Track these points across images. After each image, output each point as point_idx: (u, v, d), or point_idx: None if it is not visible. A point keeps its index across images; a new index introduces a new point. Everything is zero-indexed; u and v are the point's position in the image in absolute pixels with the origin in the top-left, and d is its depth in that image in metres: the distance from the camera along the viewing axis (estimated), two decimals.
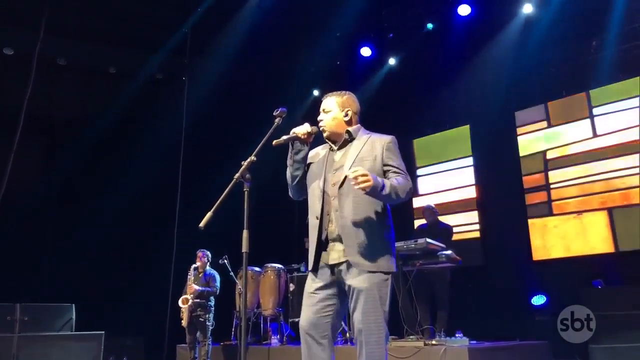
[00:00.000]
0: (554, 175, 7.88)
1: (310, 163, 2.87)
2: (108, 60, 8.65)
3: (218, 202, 2.58)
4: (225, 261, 6.49)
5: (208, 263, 6.77)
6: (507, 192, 8.22)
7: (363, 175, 2.44)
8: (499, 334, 5.75)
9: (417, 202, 8.84)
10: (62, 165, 8.67)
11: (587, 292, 5.68)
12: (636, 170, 7.09)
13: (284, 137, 2.77)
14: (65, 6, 7.58)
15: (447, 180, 9.03)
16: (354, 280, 2.59)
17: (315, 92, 9.50)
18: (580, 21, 7.32)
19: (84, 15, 7.97)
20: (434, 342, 4.76)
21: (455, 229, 8.49)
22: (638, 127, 7.15)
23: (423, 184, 9.29)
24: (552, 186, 7.88)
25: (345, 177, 2.64)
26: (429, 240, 4.90)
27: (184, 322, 6.49)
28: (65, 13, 7.72)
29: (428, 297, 5.86)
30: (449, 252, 5.08)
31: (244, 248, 2.60)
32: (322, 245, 2.69)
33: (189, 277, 6.62)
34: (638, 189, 7.05)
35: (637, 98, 7.20)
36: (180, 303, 6.51)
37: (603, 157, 7.41)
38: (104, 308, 7.64)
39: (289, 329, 6.56)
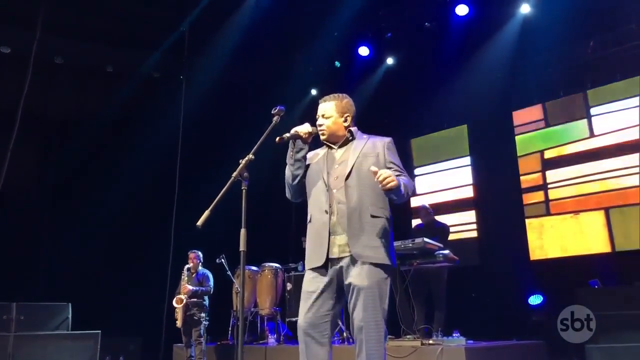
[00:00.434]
0: (551, 175, 7.89)
1: (309, 164, 2.88)
2: (105, 59, 8.61)
3: (215, 200, 2.57)
4: (223, 260, 6.48)
5: (200, 263, 6.77)
6: (504, 191, 8.23)
7: (387, 173, 2.53)
8: (496, 334, 5.75)
9: (414, 202, 8.83)
10: (59, 164, 8.65)
11: (584, 292, 5.69)
12: (633, 170, 7.11)
13: (287, 134, 2.78)
14: (62, 5, 7.55)
15: (445, 180, 9.04)
16: (355, 277, 2.60)
17: (313, 92, 9.49)
18: (577, 21, 7.32)
19: (81, 14, 7.94)
20: (431, 341, 4.76)
21: (452, 229, 8.50)
22: (635, 127, 7.17)
23: (421, 184, 9.29)
24: (549, 186, 7.90)
25: (351, 169, 2.70)
26: (426, 239, 4.89)
27: (179, 323, 6.49)
28: (63, 12, 7.69)
29: (425, 297, 5.86)
30: (446, 251, 5.08)
31: (242, 247, 2.59)
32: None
33: (182, 277, 6.62)
34: (635, 189, 7.07)
35: (634, 98, 7.22)
36: (174, 303, 6.50)
37: (600, 157, 7.43)
38: (100, 307, 7.62)
39: (286, 329, 6.56)
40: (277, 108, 2.82)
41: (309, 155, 2.89)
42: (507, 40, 7.91)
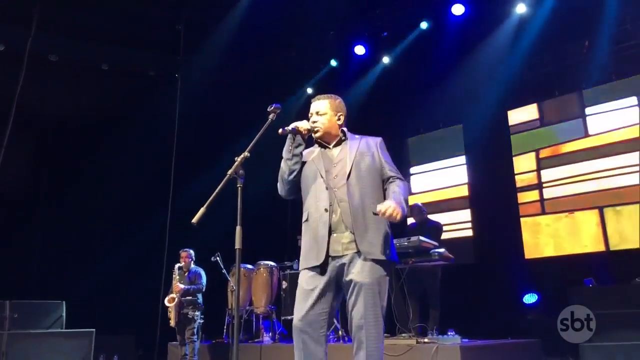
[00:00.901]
0: (546, 175, 7.92)
1: (304, 162, 2.88)
2: (100, 56, 8.58)
3: (211, 198, 2.56)
4: (218, 258, 6.46)
5: (192, 261, 6.75)
6: (499, 190, 8.25)
7: (391, 209, 2.55)
8: (491, 332, 5.76)
9: (410, 201, 8.84)
10: (53, 162, 8.63)
11: (579, 291, 5.71)
12: (627, 170, 7.14)
13: (288, 127, 2.79)
14: (57, 2, 7.52)
15: (440, 179, 9.05)
16: (357, 274, 2.60)
17: (309, 90, 9.48)
18: (572, 21, 7.35)
19: (77, 11, 7.90)
20: (426, 340, 4.77)
21: (448, 228, 8.53)
22: (629, 127, 7.21)
23: (416, 183, 9.31)
24: (544, 185, 7.92)
25: (351, 168, 2.73)
26: (422, 238, 4.89)
27: (172, 322, 6.47)
28: (58, 9, 7.66)
29: (420, 295, 5.87)
30: (442, 250, 5.08)
31: (237, 244, 2.59)
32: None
33: (173, 276, 6.60)
34: (629, 188, 7.10)
35: (629, 98, 7.26)
36: (166, 302, 6.48)
37: (595, 156, 7.45)
38: (94, 305, 7.60)
39: (281, 327, 6.55)
40: (273, 106, 2.82)
41: (304, 152, 2.89)
42: (502, 40, 7.93)
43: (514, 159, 8.26)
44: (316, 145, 2.93)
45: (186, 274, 6.67)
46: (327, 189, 2.73)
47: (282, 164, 2.87)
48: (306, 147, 2.92)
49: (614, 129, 7.35)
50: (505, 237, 7.99)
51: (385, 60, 9.01)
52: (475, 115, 8.37)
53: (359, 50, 9.00)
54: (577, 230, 7.50)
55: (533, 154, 8.09)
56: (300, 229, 2.84)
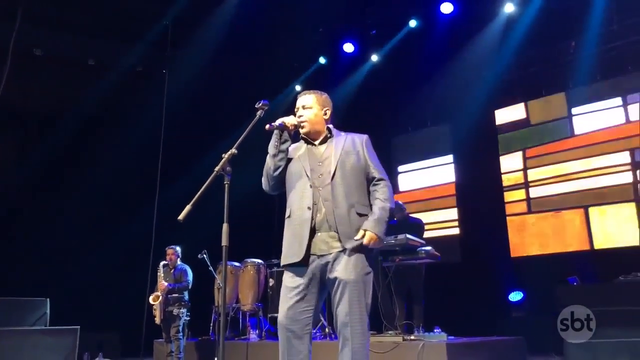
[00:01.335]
0: (533, 174, 7.98)
1: (290, 158, 2.86)
2: (87, 51, 8.47)
3: (198, 194, 2.54)
4: (205, 256, 6.43)
5: (179, 258, 6.70)
6: (486, 189, 8.31)
7: (370, 239, 2.60)
8: (477, 330, 5.80)
9: (397, 200, 8.88)
10: (38, 158, 8.50)
11: (563, 289, 5.76)
12: (612, 170, 7.22)
13: (275, 122, 2.77)
14: None
15: (428, 178, 9.09)
16: (341, 272, 2.61)
17: (297, 87, 9.46)
18: (559, 22, 7.41)
19: (62, 4, 7.79)
20: (412, 337, 4.80)
21: (434, 226, 8.58)
22: (614, 128, 7.29)
23: (403, 182, 9.34)
24: (530, 184, 7.98)
25: (336, 167, 2.73)
26: (409, 236, 4.91)
27: (157, 319, 6.42)
28: (42, 2, 7.55)
29: (405, 293, 5.88)
30: (428, 248, 5.10)
31: (224, 242, 2.57)
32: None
33: (158, 274, 6.55)
34: (613, 188, 7.18)
35: (614, 99, 7.33)
36: (150, 301, 6.44)
37: (580, 156, 7.53)
38: (79, 303, 7.52)
39: (267, 324, 6.55)
40: (262, 102, 2.81)
41: (290, 148, 2.88)
42: (490, 39, 7.97)
43: (500, 158, 8.32)
44: (302, 142, 2.91)
45: (172, 271, 6.62)
46: (311, 187, 2.73)
47: (268, 159, 2.86)
48: (292, 143, 2.91)
49: (600, 129, 7.42)
50: (492, 235, 8.06)
51: (374, 58, 9.02)
52: (463, 114, 8.41)
53: (348, 48, 9.00)
54: (563, 229, 7.57)
55: (520, 154, 8.15)
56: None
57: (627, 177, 7.13)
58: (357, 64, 9.15)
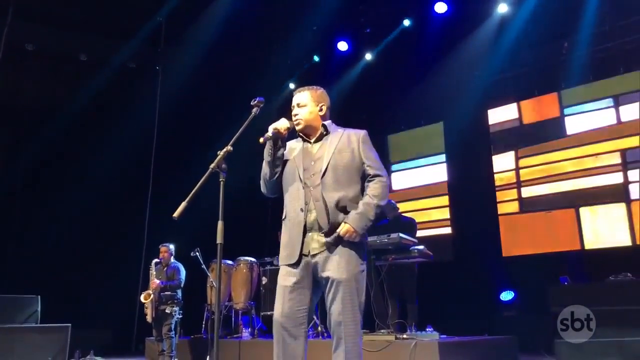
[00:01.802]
0: (525, 174, 8.01)
1: (286, 160, 2.85)
2: (79, 46, 8.42)
3: (193, 192, 2.53)
4: (198, 254, 6.40)
5: (172, 256, 6.67)
6: (478, 189, 8.33)
7: (346, 231, 2.60)
8: (469, 329, 5.83)
9: (390, 198, 8.89)
10: (29, 154, 8.44)
11: (554, 289, 5.79)
12: (603, 170, 7.27)
13: (269, 134, 2.73)
14: None
15: (421, 177, 9.11)
16: (334, 271, 2.61)
17: (291, 85, 9.45)
18: (553, 22, 7.45)
19: (55, 0, 7.75)
20: (404, 336, 4.80)
21: (427, 225, 8.60)
22: (606, 128, 7.33)
23: (397, 180, 9.35)
24: (522, 184, 8.02)
25: (327, 166, 2.70)
26: (402, 235, 4.92)
27: (149, 318, 6.39)
28: None
29: (398, 292, 5.89)
30: (421, 247, 5.11)
31: (219, 239, 2.56)
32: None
33: (151, 272, 6.52)
34: (605, 187, 7.23)
35: (606, 99, 7.38)
36: (142, 299, 6.40)
37: (572, 156, 7.57)
38: (71, 300, 7.48)
39: (260, 323, 6.53)
40: (257, 99, 2.80)
41: (287, 148, 2.87)
42: (484, 39, 8.01)
43: (493, 157, 8.35)
44: (299, 139, 2.90)
45: (165, 269, 6.59)
46: (303, 187, 2.72)
47: (264, 165, 2.84)
48: (289, 139, 2.89)
49: (592, 130, 7.47)
50: (484, 234, 8.08)
51: (368, 56, 9.03)
52: (456, 114, 8.44)
53: (342, 46, 9.01)
54: (554, 229, 7.61)
55: (512, 153, 8.19)
56: (281, 224, 2.83)
57: (618, 178, 7.18)
58: (351, 62, 9.16)
